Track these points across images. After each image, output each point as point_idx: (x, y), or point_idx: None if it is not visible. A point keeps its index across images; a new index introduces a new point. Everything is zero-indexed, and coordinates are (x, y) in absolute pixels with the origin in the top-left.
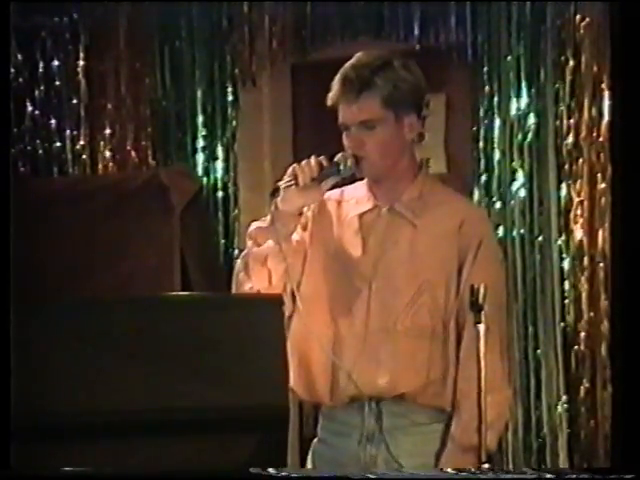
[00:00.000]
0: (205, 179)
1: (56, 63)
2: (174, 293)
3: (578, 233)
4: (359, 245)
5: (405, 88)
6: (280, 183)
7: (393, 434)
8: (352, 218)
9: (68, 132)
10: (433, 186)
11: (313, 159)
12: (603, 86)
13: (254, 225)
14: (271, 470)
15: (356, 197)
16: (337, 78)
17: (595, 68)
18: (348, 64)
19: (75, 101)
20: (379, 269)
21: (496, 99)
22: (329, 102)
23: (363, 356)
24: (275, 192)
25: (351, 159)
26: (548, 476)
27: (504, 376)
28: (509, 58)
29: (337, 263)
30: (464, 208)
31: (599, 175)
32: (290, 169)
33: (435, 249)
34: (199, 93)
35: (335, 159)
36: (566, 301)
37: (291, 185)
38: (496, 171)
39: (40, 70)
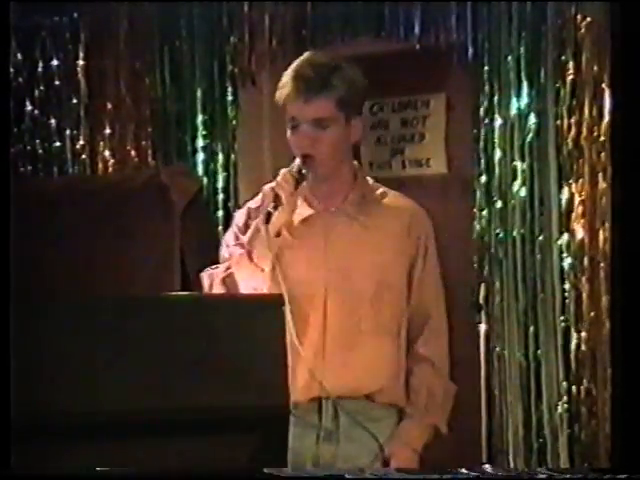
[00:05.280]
0: (205, 179)
1: (56, 62)
2: (174, 293)
3: (579, 233)
4: (310, 250)
5: (356, 91)
6: (269, 209)
7: (350, 431)
8: (298, 224)
9: (68, 132)
10: (372, 187)
11: (287, 173)
12: (603, 86)
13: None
14: (272, 470)
15: (298, 202)
16: (291, 75)
17: (595, 68)
18: (302, 62)
19: (75, 101)
20: (334, 272)
21: (496, 99)
22: (280, 99)
23: (325, 360)
24: (269, 218)
25: (308, 160)
26: (544, 476)
27: (448, 367)
28: (509, 58)
29: (290, 270)
30: (409, 207)
31: (600, 175)
32: (268, 191)
33: (388, 248)
34: (199, 93)
35: (299, 166)
36: (566, 301)
37: (277, 207)
38: (496, 171)
39: (40, 69)
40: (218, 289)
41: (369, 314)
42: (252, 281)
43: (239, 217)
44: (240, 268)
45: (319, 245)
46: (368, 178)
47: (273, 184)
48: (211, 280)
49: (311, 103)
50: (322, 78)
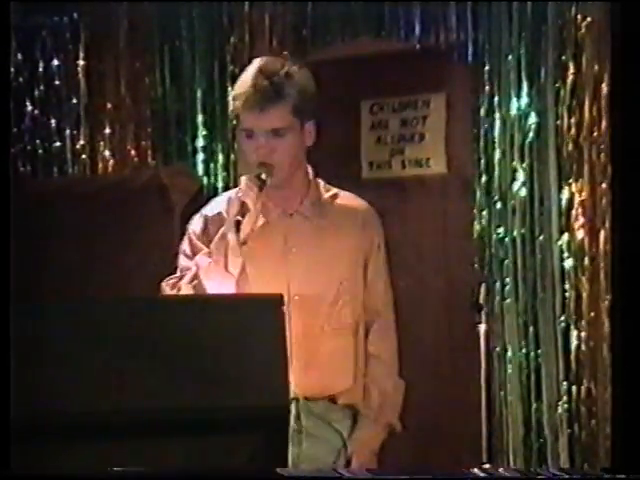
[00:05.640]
0: (205, 179)
1: (56, 63)
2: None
3: (579, 233)
4: (271, 254)
5: (309, 96)
6: (238, 218)
7: (312, 433)
8: (258, 229)
9: (68, 132)
10: (325, 189)
11: (249, 181)
12: (603, 86)
13: (204, 261)
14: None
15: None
16: (245, 86)
17: (595, 68)
18: (255, 72)
19: (75, 101)
20: (296, 275)
21: (496, 99)
22: (235, 110)
23: (291, 362)
24: (238, 227)
25: (265, 168)
26: (540, 477)
27: (397, 364)
28: (509, 58)
29: (253, 275)
30: (361, 206)
31: (600, 175)
32: (234, 198)
33: (345, 248)
34: (199, 93)
35: (259, 173)
36: (566, 301)
37: (244, 215)
38: (496, 171)
39: (40, 70)
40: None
41: (331, 315)
42: (222, 289)
43: (195, 225)
44: (210, 276)
45: (279, 249)
46: (319, 180)
47: (236, 191)
48: (178, 290)
49: (267, 113)
50: (276, 87)
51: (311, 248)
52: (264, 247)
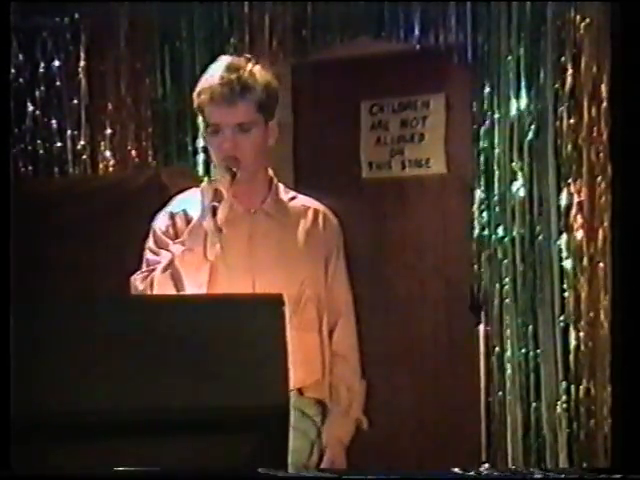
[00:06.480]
0: (206, 180)
1: (57, 63)
2: (174, 293)
3: (578, 233)
4: (236, 250)
5: (273, 93)
6: (214, 204)
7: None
8: (222, 225)
9: (69, 132)
10: (285, 191)
11: (223, 170)
12: (603, 86)
13: (177, 250)
14: (274, 471)
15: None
16: (212, 81)
17: (595, 68)
18: (222, 67)
19: (76, 101)
20: (259, 270)
21: (496, 100)
22: (201, 104)
23: None
24: (215, 212)
25: (230, 162)
26: (538, 476)
27: (359, 363)
28: (509, 58)
29: (218, 270)
30: (320, 209)
31: (599, 175)
32: (206, 187)
33: (305, 246)
34: None
35: (227, 165)
36: (566, 301)
37: (220, 201)
38: (496, 171)
39: (41, 70)
40: (164, 286)
41: (295, 311)
42: (199, 276)
43: (160, 222)
44: (186, 264)
45: (244, 245)
46: (279, 183)
47: (207, 181)
48: (150, 281)
49: (234, 108)
50: (243, 82)
51: (274, 245)
52: (229, 243)
